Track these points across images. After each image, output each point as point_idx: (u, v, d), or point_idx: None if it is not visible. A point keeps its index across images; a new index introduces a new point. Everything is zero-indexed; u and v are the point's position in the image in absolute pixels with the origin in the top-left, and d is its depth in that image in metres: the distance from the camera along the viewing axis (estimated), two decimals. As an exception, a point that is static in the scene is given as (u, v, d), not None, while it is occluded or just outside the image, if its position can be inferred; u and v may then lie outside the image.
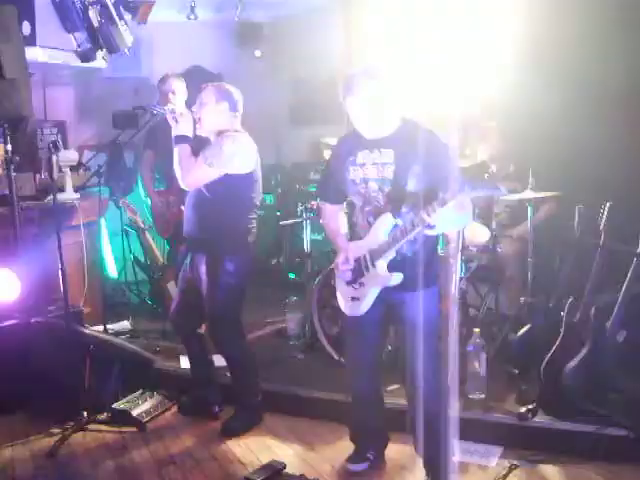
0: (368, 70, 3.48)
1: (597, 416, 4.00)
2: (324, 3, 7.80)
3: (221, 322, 4.46)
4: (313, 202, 5.89)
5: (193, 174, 4.22)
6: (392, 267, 3.50)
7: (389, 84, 3.47)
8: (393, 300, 3.60)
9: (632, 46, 5.51)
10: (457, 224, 3.72)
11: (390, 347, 4.77)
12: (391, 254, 3.47)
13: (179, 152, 4.24)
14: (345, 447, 4.08)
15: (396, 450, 4.04)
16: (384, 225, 3.47)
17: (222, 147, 4.20)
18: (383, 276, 3.51)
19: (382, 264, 3.50)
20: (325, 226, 3.94)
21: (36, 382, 4.69)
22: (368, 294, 3.60)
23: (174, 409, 4.88)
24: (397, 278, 3.48)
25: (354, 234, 3.70)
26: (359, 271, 3.60)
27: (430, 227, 3.24)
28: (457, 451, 3.94)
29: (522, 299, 5.06)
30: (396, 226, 3.43)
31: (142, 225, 6.25)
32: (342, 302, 3.78)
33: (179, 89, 5.99)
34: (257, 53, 8.67)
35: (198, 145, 4.35)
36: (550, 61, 6.12)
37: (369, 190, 3.53)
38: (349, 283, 3.66)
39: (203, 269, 4.37)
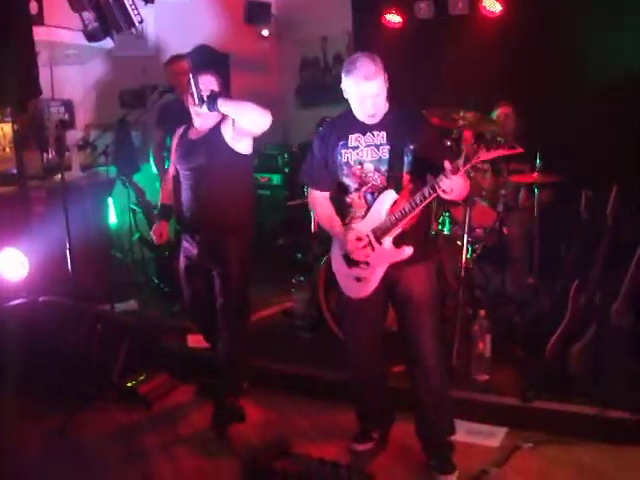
0: (375, 58, 3.46)
1: (601, 398, 4.01)
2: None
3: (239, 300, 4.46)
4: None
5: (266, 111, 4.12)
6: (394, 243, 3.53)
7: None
8: (392, 276, 3.60)
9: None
10: (465, 190, 3.52)
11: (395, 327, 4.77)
12: (398, 229, 3.48)
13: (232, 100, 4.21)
14: (351, 427, 4.10)
15: (402, 430, 4.05)
16: (387, 202, 3.49)
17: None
18: (392, 252, 3.51)
19: (389, 240, 3.51)
20: (318, 214, 3.88)
21: (44, 361, 4.72)
22: (375, 273, 3.60)
23: (181, 389, 4.91)
24: (408, 251, 3.48)
25: (348, 214, 3.67)
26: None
27: (446, 193, 3.24)
28: (461, 431, 4.00)
29: (528, 281, 5.07)
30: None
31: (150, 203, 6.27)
32: (345, 285, 3.77)
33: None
34: (264, 32, 8.64)
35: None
36: (557, 46, 6.14)
37: (365, 171, 3.54)
38: (353, 264, 3.65)
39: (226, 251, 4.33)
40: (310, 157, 3.81)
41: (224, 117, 4.24)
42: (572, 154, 5.66)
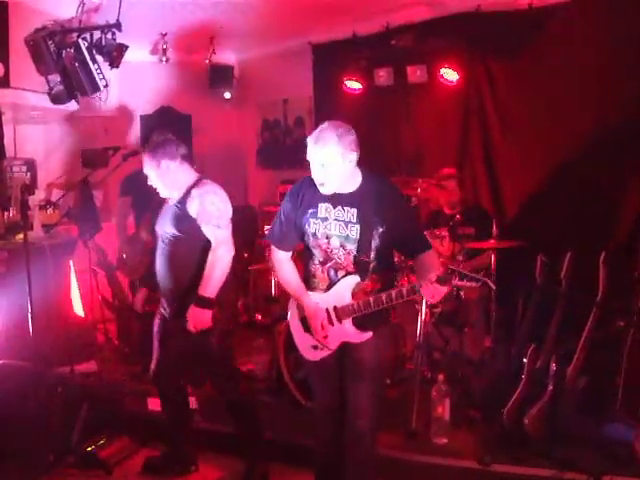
0: (339, 130, 3.41)
1: (557, 460, 4.09)
2: (293, 48, 7.96)
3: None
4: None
5: (227, 249, 4.11)
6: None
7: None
8: (348, 344, 3.63)
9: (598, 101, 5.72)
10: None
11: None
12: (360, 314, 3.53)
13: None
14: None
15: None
16: (350, 286, 3.53)
17: (214, 204, 4.10)
18: (351, 333, 3.57)
19: (349, 322, 3.56)
20: (282, 275, 3.81)
21: (2, 424, 4.65)
22: (331, 346, 3.64)
23: (141, 452, 4.86)
24: (367, 335, 3.54)
25: (311, 283, 3.68)
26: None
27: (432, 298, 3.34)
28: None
29: (485, 344, 5.16)
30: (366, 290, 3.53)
31: (112, 264, 6.29)
32: (301, 347, 3.81)
33: None
34: (226, 95, 8.77)
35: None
36: (510, 113, 6.33)
37: (331, 246, 3.53)
38: (309, 331, 3.69)
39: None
40: (279, 217, 3.75)
41: (189, 191, 4.17)
42: (527, 220, 5.83)
